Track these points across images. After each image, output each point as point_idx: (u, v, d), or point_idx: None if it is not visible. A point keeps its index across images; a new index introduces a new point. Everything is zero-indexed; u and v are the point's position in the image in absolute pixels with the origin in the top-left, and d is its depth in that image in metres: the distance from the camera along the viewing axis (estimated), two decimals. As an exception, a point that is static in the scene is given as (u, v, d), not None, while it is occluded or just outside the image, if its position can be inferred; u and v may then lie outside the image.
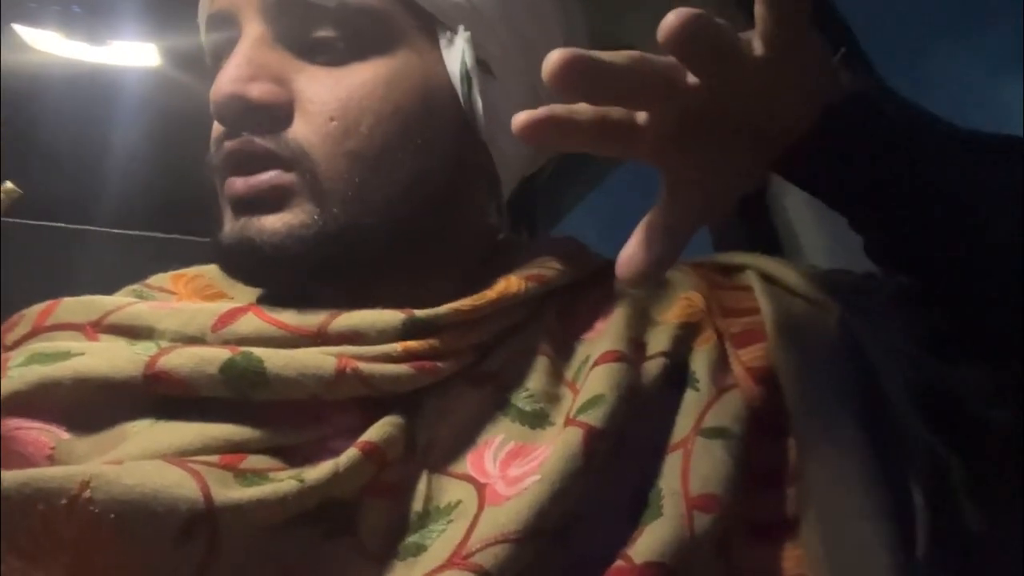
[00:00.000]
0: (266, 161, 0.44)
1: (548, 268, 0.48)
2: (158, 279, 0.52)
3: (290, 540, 0.36)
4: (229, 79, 0.43)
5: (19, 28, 1.25)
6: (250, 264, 0.44)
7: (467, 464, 0.41)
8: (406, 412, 0.41)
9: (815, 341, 0.45)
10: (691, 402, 0.43)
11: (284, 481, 0.36)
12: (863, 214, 0.42)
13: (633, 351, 0.44)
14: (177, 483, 0.34)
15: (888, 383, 0.44)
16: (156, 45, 1.23)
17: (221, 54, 0.47)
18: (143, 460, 0.35)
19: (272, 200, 0.44)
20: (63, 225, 1.07)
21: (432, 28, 0.47)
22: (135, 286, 0.51)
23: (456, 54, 0.47)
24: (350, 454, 0.38)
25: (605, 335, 0.45)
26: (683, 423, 0.42)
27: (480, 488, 0.39)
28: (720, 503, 0.39)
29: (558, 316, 0.48)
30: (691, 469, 0.40)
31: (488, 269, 0.48)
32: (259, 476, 0.37)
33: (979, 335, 0.42)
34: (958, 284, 0.41)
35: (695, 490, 0.39)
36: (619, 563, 0.36)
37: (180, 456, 0.36)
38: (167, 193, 1.33)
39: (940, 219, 0.40)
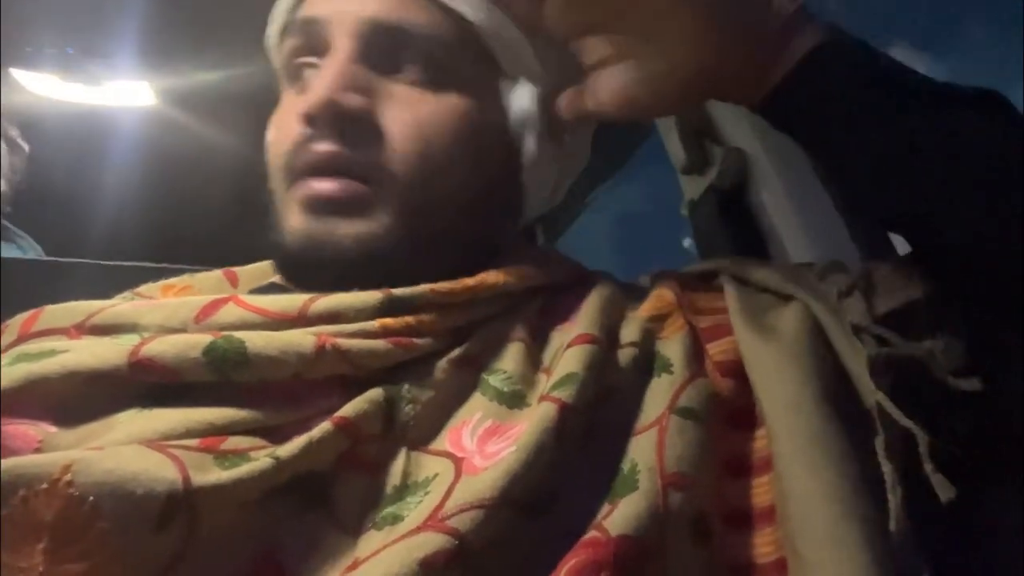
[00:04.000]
0: (350, 169, 0.47)
1: (529, 268, 0.51)
2: (148, 288, 0.53)
3: (268, 515, 0.36)
4: (326, 86, 0.46)
5: (16, 72, 1.28)
6: (317, 263, 0.47)
7: (445, 441, 0.42)
8: (384, 388, 0.42)
9: (781, 333, 0.47)
10: (665, 383, 0.44)
11: (260, 459, 0.36)
12: (838, 158, 0.47)
13: (605, 337, 0.45)
14: (156, 466, 0.34)
15: (852, 364, 0.45)
16: (151, 85, 1.24)
17: (300, 58, 0.50)
18: (123, 446, 0.36)
19: (351, 206, 0.47)
20: (59, 260, 1.08)
21: (494, 71, 0.52)
22: (125, 293, 0.52)
23: (520, 99, 0.52)
24: (323, 427, 0.39)
25: (578, 322, 0.47)
26: (657, 402, 0.43)
27: (457, 461, 0.40)
28: (693, 482, 0.40)
29: (538, 312, 0.50)
30: (666, 446, 0.41)
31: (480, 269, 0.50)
32: (238, 456, 0.38)
33: (951, 291, 0.44)
34: (932, 233, 0.44)
35: (669, 468, 0.40)
36: (594, 534, 0.37)
37: (163, 440, 0.37)
38: (162, 227, 1.34)
39: (913, 167, 0.43)
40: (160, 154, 1.30)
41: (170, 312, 0.44)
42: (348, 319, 0.44)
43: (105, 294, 0.53)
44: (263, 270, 0.54)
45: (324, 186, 0.47)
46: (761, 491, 0.42)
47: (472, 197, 0.50)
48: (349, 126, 0.47)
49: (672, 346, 0.46)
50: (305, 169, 0.47)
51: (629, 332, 0.47)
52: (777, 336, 0.47)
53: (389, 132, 0.48)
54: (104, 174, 1.31)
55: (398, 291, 0.45)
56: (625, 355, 0.45)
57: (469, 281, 0.47)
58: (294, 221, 0.47)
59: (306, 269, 0.47)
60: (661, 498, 0.39)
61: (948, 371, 0.43)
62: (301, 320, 0.43)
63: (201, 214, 1.37)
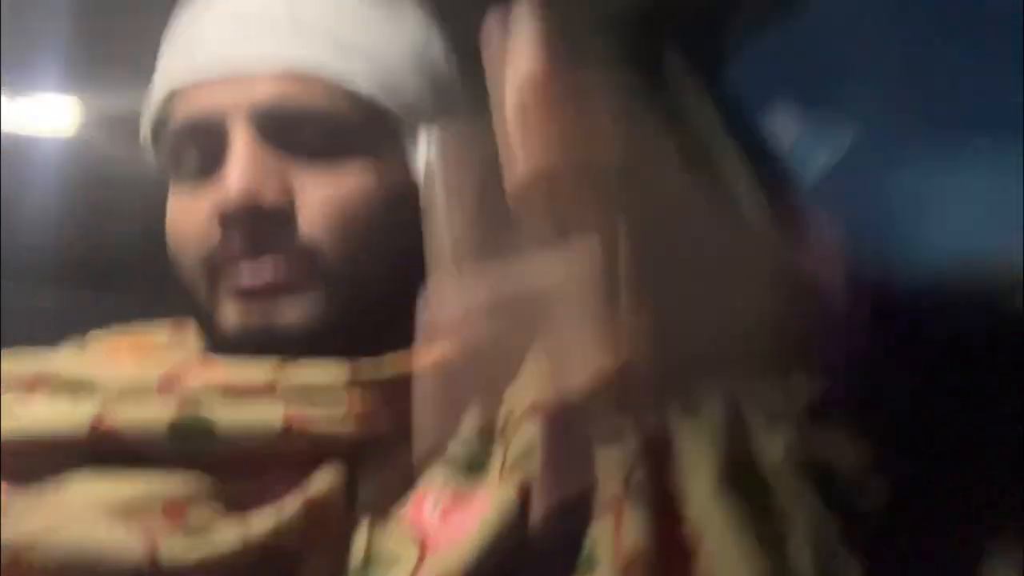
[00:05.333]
0: (274, 257, 0.47)
1: None
2: (100, 335, 0.53)
3: None
4: (238, 182, 0.46)
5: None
6: (265, 348, 0.46)
7: (407, 514, 0.43)
8: (348, 463, 0.43)
9: (700, 418, 0.47)
10: (616, 455, 0.43)
11: (228, 536, 0.37)
12: None
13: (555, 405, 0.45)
14: (121, 541, 0.34)
15: (766, 451, 0.45)
16: (77, 107, 1.22)
17: (189, 160, 0.50)
18: (87, 516, 0.36)
19: (281, 294, 0.47)
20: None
21: (396, 132, 0.52)
22: (76, 341, 0.51)
23: (421, 155, 0.52)
24: (292, 505, 0.39)
25: (527, 388, 0.46)
26: (612, 478, 0.43)
27: (421, 538, 0.41)
28: (649, 560, 0.41)
29: None
30: (623, 524, 0.42)
31: None
32: (204, 531, 0.37)
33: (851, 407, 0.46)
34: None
35: (626, 546, 0.41)
36: None
37: (124, 509, 0.37)
38: (81, 251, 1.29)
39: None
40: (82, 180, 1.26)
41: (132, 376, 0.44)
42: (316, 394, 0.44)
43: (29, 324, 0.52)
44: None
45: (251, 278, 0.47)
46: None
47: (399, 259, 0.50)
48: (266, 216, 0.47)
49: None
50: (228, 263, 0.47)
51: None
52: (699, 423, 0.47)
53: (305, 214, 0.48)
54: (23, 196, 1.26)
55: (367, 369, 0.45)
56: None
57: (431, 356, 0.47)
58: (228, 313, 0.47)
59: (255, 356, 0.47)
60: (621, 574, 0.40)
61: (852, 480, 0.45)
62: (268, 392, 0.43)
63: (124, 241, 1.33)
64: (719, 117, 1.00)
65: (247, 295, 0.47)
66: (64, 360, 0.45)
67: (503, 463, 0.43)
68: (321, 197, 0.48)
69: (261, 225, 0.47)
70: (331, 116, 0.49)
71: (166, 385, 0.43)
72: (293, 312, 0.47)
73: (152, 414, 0.40)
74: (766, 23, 1.13)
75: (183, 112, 0.51)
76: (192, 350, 0.51)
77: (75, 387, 0.43)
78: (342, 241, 0.48)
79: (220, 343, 0.48)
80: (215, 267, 0.48)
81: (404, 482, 0.44)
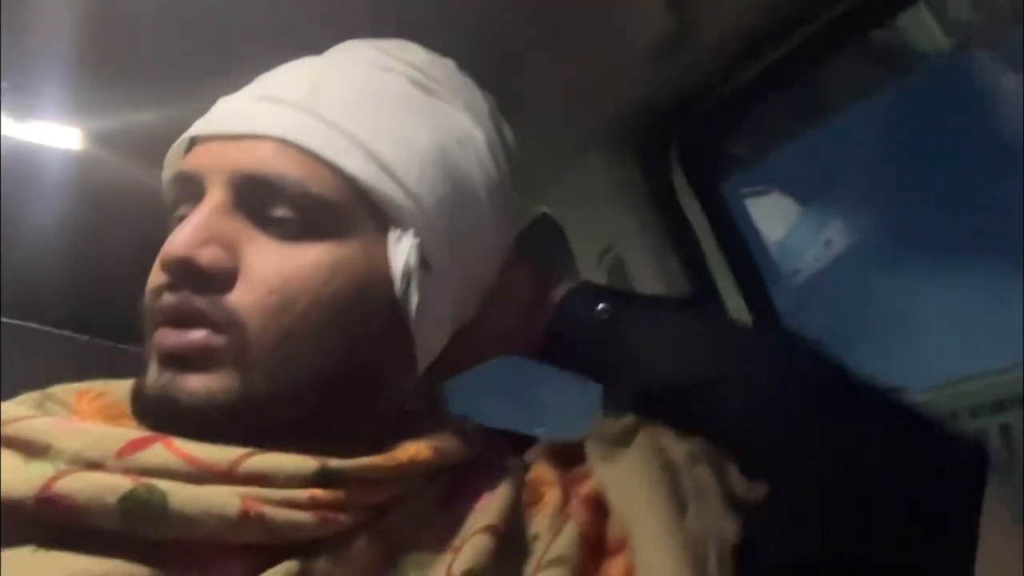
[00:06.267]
0: (200, 321, 0.46)
1: (448, 442, 0.52)
2: (62, 391, 0.51)
3: None
4: (183, 242, 0.46)
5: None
6: (168, 419, 0.45)
7: None
8: (300, 561, 0.41)
9: (629, 450, 0.53)
10: (537, 549, 0.48)
11: None
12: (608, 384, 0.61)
13: (504, 525, 0.49)
14: None
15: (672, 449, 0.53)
16: (81, 128, 1.21)
17: (180, 210, 0.51)
18: None
19: (199, 360, 0.46)
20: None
21: (383, 223, 0.52)
22: (35, 394, 0.50)
23: (402, 252, 0.51)
24: None
25: (486, 511, 0.49)
26: (530, 567, 0.47)
27: None
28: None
29: (449, 487, 0.51)
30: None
31: (395, 436, 0.51)
32: None
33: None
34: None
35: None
36: None
37: None
38: (81, 288, 1.29)
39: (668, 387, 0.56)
40: (84, 199, 1.26)
41: (91, 442, 0.43)
42: (278, 484, 0.42)
43: (13, 359, 0.50)
44: None
45: (171, 338, 0.46)
46: None
47: (351, 349, 0.49)
48: (205, 280, 0.46)
49: (540, 519, 0.50)
50: (159, 318, 0.47)
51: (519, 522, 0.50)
52: (626, 453, 0.53)
53: (246, 284, 0.47)
54: (28, 214, 1.26)
55: (333, 463, 0.44)
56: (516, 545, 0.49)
57: (401, 457, 0.47)
58: (151, 371, 0.47)
59: (162, 421, 0.46)
60: None
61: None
62: (228, 477, 0.42)
63: (117, 271, 1.33)
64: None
65: (163, 355, 0.47)
66: (24, 418, 0.43)
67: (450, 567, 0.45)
68: (267, 269, 0.47)
69: (193, 282, 0.47)
70: (308, 191, 0.49)
71: (124, 453, 0.41)
72: (202, 382, 0.46)
73: (104, 484, 0.39)
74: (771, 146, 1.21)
75: (180, 164, 0.52)
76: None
77: (31, 448, 0.42)
78: (274, 318, 0.47)
79: (139, 407, 0.48)
80: (152, 319, 0.48)
81: None
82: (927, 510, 0.51)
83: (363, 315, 0.50)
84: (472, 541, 0.46)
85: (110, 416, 0.49)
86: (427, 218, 0.52)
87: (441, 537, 0.47)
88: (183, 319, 0.47)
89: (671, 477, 0.51)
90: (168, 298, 0.47)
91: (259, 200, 0.49)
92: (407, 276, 0.51)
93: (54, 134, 1.18)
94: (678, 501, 0.49)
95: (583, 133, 1.15)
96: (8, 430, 0.42)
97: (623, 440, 0.55)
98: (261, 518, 0.40)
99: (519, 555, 0.48)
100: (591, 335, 0.59)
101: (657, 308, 0.66)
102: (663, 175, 1.14)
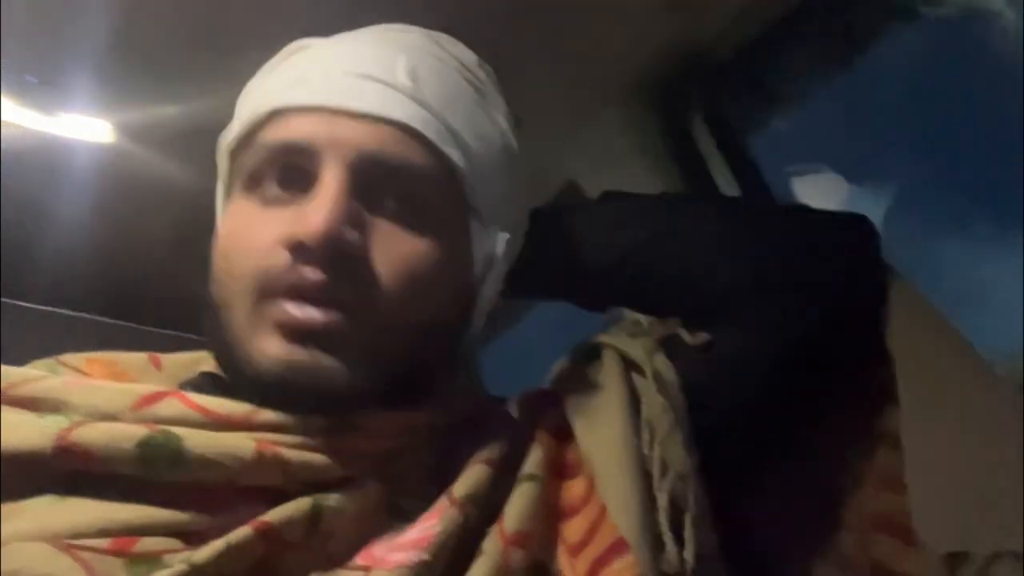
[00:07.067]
0: (336, 301, 0.47)
1: (457, 405, 0.55)
2: (72, 358, 0.52)
3: None
4: (327, 219, 0.46)
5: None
6: (300, 392, 0.46)
7: (359, 558, 0.43)
8: (314, 500, 0.42)
9: (600, 396, 0.56)
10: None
11: (174, 565, 0.36)
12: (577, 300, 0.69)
13: (499, 460, 0.51)
14: (63, 571, 0.33)
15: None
16: (110, 121, 1.22)
17: (285, 179, 0.50)
18: (31, 543, 0.35)
19: (331, 339, 0.46)
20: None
21: (465, 214, 0.54)
22: (47, 360, 0.50)
23: (487, 245, 0.54)
24: (242, 532, 0.38)
25: (483, 453, 0.51)
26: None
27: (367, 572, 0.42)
28: (530, 538, 0.46)
29: (450, 441, 0.53)
30: (506, 510, 0.47)
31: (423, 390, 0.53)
32: (150, 561, 0.36)
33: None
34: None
35: (509, 528, 0.45)
36: None
37: (75, 537, 0.36)
38: (109, 276, 1.30)
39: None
40: (112, 192, 1.27)
41: (107, 397, 0.43)
42: (292, 431, 0.44)
43: (45, 343, 0.51)
44: (192, 359, 0.54)
45: (308, 314, 0.46)
46: (607, 526, 0.49)
47: (425, 333, 0.51)
48: (343, 258, 0.46)
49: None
50: (287, 293, 0.46)
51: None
52: (599, 402, 0.56)
53: (378, 269, 0.47)
54: (57, 207, 1.27)
55: (347, 418, 0.46)
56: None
57: (413, 418, 0.50)
58: (270, 346, 0.46)
59: (283, 396, 0.46)
60: (506, 556, 0.44)
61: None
62: (244, 425, 0.43)
63: (144, 261, 1.34)
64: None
65: (295, 330, 0.46)
66: (36, 379, 0.44)
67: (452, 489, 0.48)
68: (394, 256, 0.48)
69: (332, 262, 0.46)
70: (420, 177, 0.50)
71: (140, 406, 0.42)
72: (334, 360, 0.46)
73: (121, 431, 0.40)
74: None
75: (281, 131, 0.50)
76: (167, 382, 0.51)
77: (46, 405, 0.42)
78: (400, 305, 0.48)
79: (256, 379, 0.47)
80: (268, 291, 0.47)
81: (361, 525, 0.45)
82: (839, 274, 0.64)
83: (447, 305, 0.52)
84: (469, 471, 0.48)
85: (122, 379, 0.50)
86: (498, 213, 0.54)
87: (442, 479, 0.49)
88: (321, 297, 0.46)
89: (630, 393, 0.56)
90: (307, 274, 0.46)
91: (374, 184, 0.49)
92: (489, 269, 0.54)
93: (84, 128, 1.20)
94: (634, 425, 0.54)
95: (602, 89, 1.14)
96: (23, 389, 0.43)
97: (592, 353, 0.61)
98: (277, 457, 0.41)
99: (507, 487, 0.49)
100: (538, 239, 0.60)
101: (590, 203, 0.72)
102: (685, 130, 1.12)
